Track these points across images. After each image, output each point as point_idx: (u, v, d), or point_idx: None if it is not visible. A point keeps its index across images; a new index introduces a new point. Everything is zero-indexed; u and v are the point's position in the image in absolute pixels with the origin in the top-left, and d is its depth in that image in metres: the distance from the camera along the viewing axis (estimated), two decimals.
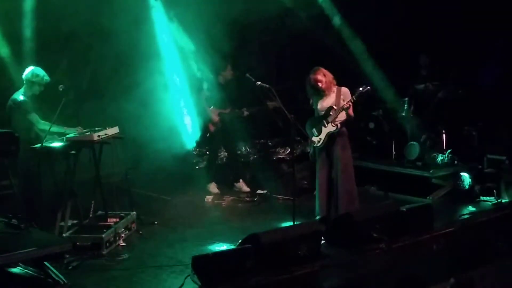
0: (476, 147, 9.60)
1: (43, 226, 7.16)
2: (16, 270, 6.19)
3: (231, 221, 8.39)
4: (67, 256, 6.57)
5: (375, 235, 7.17)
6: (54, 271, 6.17)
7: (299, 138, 10.47)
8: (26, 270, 6.22)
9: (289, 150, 10.75)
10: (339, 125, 7.70)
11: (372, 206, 8.00)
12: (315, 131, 7.81)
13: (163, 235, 7.76)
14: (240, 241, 6.63)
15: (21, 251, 5.78)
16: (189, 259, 6.35)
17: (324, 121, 7.74)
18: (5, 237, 6.04)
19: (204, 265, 6.02)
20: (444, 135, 9.61)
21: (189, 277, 6.24)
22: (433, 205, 8.07)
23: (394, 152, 9.81)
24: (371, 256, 7.00)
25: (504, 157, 9.18)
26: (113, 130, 7.76)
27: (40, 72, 7.64)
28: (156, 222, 8.20)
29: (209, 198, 9.47)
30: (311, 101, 7.93)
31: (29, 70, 7.69)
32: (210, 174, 10.12)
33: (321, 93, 7.76)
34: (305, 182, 9.60)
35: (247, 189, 9.92)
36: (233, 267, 6.08)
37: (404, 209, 7.56)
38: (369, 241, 7.13)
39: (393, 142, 9.86)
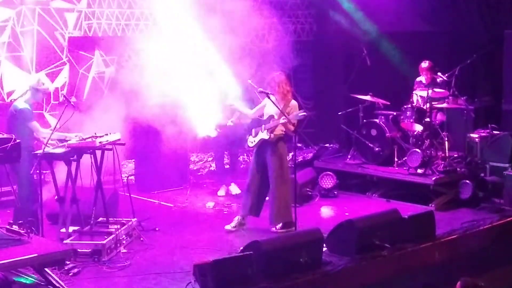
0: (479, 155, 9.56)
1: (43, 232, 7.15)
2: (17, 277, 6.18)
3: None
4: (68, 262, 6.52)
5: (377, 242, 7.16)
6: (55, 277, 6.16)
7: (300, 145, 10.40)
8: (26, 277, 6.20)
9: (290, 157, 10.70)
10: (272, 135, 7.85)
11: (374, 213, 7.97)
12: (253, 131, 8.03)
13: (164, 242, 7.72)
14: (241, 248, 6.62)
15: (22, 258, 5.76)
16: (190, 266, 6.38)
17: (263, 126, 7.93)
18: (5, 243, 6.01)
19: (205, 272, 6.01)
20: (446, 142, 9.56)
21: (190, 284, 6.23)
22: (435, 213, 8.06)
23: (396, 159, 9.78)
24: (373, 263, 6.98)
25: (507, 165, 9.15)
26: (114, 136, 7.73)
27: (45, 80, 7.67)
28: (157, 229, 8.17)
29: (210, 205, 9.43)
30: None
31: (35, 78, 7.71)
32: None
33: (271, 96, 7.83)
34: (307, 189, 9.56)
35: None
36: (234, 274, 6.07)
37: (406, 217, 7.55)
38: (371, 248, 7.12)
39: (395, 149, 9.82)
